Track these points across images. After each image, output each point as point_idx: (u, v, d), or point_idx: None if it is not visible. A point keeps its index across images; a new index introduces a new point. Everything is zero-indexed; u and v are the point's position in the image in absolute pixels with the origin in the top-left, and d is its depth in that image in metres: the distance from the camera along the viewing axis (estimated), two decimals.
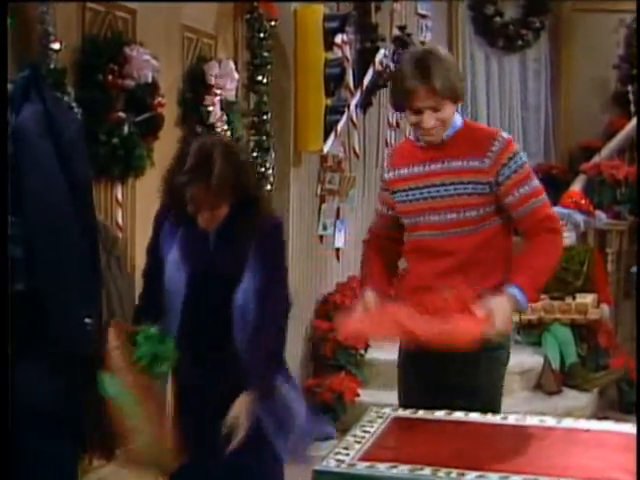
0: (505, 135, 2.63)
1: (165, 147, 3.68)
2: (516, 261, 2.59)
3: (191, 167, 2.37)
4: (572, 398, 5.04)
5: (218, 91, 4.00)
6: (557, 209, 5.57)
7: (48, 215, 2.32)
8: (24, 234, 2.26)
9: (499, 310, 2.38)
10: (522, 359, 5.11)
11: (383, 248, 2.77)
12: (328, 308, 5.35)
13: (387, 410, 2.42)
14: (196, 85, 3.97)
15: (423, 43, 6.47)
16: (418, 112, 2.53)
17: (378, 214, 2.81)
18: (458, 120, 2.61)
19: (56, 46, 2.86)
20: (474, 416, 2.31)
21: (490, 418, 2.11)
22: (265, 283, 2.45)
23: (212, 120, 3.97)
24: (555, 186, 7.12)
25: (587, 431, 2.24)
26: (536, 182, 2.62)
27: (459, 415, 2.33)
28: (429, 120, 2.53)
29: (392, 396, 4.66)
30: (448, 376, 2.54)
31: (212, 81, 3.98)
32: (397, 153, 2.76)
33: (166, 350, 2.36)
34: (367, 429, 2.28)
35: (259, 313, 2.44)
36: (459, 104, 2.62)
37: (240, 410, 2.38)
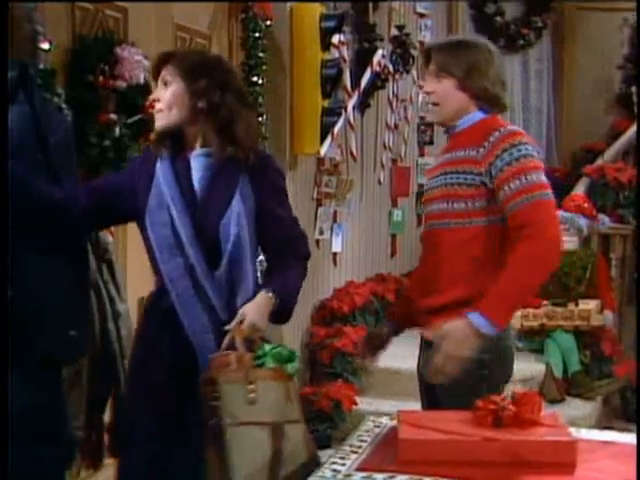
0: (511, 127, 2.57)
1: None
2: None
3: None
4: (575, 407, 5.04)
5: None
6: (559, 213, 5.59)
7: (32, 220, 2.32)
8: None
9: (451, 336, 2.32)
10: (524, 366, 5.09)
11: None
12: (325, 314, 5.36)
13: (384, 420, 2.41)
14: None
15: (422, 43, 6.49)
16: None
17: None
18: (478, 114, 2.60)
19: (45, 46, 2.84)
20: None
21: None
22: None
23: None
24: (558, 189, 7.10)
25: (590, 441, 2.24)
26: (534, 177, 2.43)
27: None
28: (427, 84, 2.65)
29: (390, 404, 4.69)
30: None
31: None
32: None
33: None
34: (364, 438, 2.28)
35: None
36: (467, 95, 2.58)
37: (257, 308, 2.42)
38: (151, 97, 2.53)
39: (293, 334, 5.04)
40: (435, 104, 2.63)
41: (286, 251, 2.56)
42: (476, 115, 2.60)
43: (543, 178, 2.48)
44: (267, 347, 2.37)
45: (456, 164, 2.55)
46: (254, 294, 2.47)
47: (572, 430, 2.19)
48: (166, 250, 2.45)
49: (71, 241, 2.54)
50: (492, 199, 2.48)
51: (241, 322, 2.40)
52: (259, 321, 2.41)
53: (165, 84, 2.49)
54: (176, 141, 2.51)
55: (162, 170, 2.49)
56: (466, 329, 2.33)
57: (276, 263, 2.56)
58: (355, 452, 2.18)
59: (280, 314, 2.51)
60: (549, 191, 2.46)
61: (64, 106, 2.91)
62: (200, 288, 2.44)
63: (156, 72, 2.52)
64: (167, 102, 2.47)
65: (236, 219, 2.45)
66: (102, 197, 2.52)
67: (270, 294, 2.45)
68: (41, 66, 2.84)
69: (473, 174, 2.50)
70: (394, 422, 2.34)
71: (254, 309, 2.43)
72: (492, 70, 2.61)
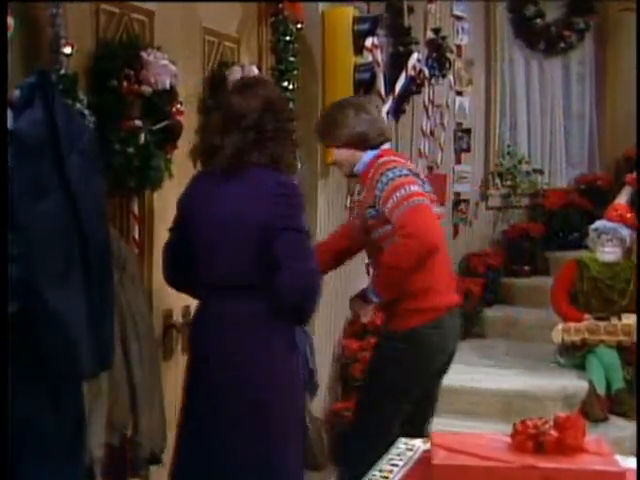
0: (380, 161, 3.42)
1: (185, 157, 3.65)
2: None
3: None
4: (619, 427, 4.92)
5: None
6: (602, 223, 5.48)
7: (46, 230, 2.28)
8: (19, 252, 2.21)
9: (355, 301, 3.57)
10: (565, 383, 5.01)
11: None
12: (357, 327, 5.29)
13: (417, 442, 2.35)
14: (218, 92, 3.92)
15: (459, 46, 6.43)
16: None
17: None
18: (367, 157, 3.44)
19: (68, 50, 2.82)
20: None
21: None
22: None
23: None
24: (600, 198, 7.02)
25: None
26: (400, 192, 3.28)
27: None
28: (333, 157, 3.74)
29: None
30: None
31: None
32: None
33: None
34: (396, 462, 2.22)
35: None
36: (349, 148, 3.49)
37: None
38: None
39: (325, 347, 4.98)
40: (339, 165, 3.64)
41: None
42: (365, 158, 3.46)
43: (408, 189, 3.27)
44: None
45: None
46: None
47: (618, 458, 2.09)
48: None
49: (97, 255, 2.50)
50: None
51: None
52: None
53: None
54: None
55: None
56: (361, 297, 3.49)
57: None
58: (385, 477, 2.12)
59: None
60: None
61: (86, 112, 2.87)
62: None
63: None
64: None
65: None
66: None
67: None
68: (63, 71, 2.81)
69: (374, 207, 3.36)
70: (427, 445, 2.27)
71: None
72: (350, 120, 3.47)
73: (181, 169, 3.62)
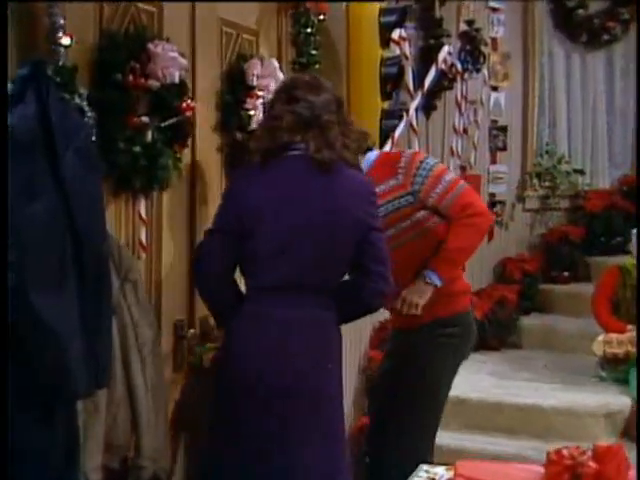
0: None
1: (201, 156, 3.55)
2: None
3: None
4: None
5: (260, 93, 3.84)
6: None
7: (38, 233, 2.18)
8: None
9: (412, 288, 3.24)
10: (607, 399, 4.82)
11: None
12: (384, 336, 5.15)
13: (440, 470, 2.20)
14: (235, 86, 3.81)
15: (494, 39, 6.32)
16: None
17: None
18: (372, 155, 3.36)
19: (66, 41, 2.71)
20: None
21: None
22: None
23: (254, 126, 3.80)
24: None
25: None
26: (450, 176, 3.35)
27: None
28: None
29: (453, 437, 4.46)
30: None
31: (253, 82, 3.82)
32: None
33: None
34: None
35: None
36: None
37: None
38: None
39: (351, 358, 4.85)
40: None
41: None
42: (370, 156, 3.36)
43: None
44: None
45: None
46: None
47: None
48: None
49: (93, 261, 2.38)
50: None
51: None
52: None
53: None
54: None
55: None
56: (421, 285, 3.26)
57: None
58: None
59: None
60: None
61: (86, 107, 2.76)
62: None
63: None
64: None
65: None
66: None
67: None
68: (61, 63, 2.71)
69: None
70: (450, 473, 2.13)
71: None
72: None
73: (199, 168, 3.53)
